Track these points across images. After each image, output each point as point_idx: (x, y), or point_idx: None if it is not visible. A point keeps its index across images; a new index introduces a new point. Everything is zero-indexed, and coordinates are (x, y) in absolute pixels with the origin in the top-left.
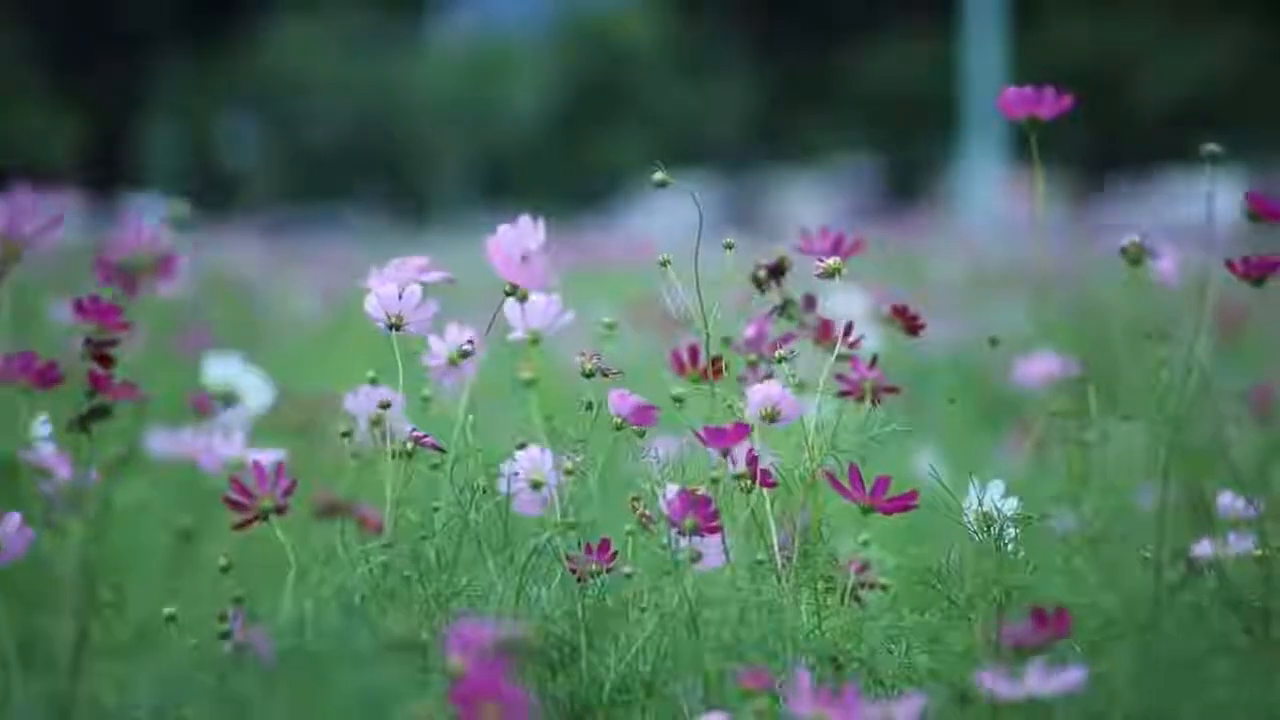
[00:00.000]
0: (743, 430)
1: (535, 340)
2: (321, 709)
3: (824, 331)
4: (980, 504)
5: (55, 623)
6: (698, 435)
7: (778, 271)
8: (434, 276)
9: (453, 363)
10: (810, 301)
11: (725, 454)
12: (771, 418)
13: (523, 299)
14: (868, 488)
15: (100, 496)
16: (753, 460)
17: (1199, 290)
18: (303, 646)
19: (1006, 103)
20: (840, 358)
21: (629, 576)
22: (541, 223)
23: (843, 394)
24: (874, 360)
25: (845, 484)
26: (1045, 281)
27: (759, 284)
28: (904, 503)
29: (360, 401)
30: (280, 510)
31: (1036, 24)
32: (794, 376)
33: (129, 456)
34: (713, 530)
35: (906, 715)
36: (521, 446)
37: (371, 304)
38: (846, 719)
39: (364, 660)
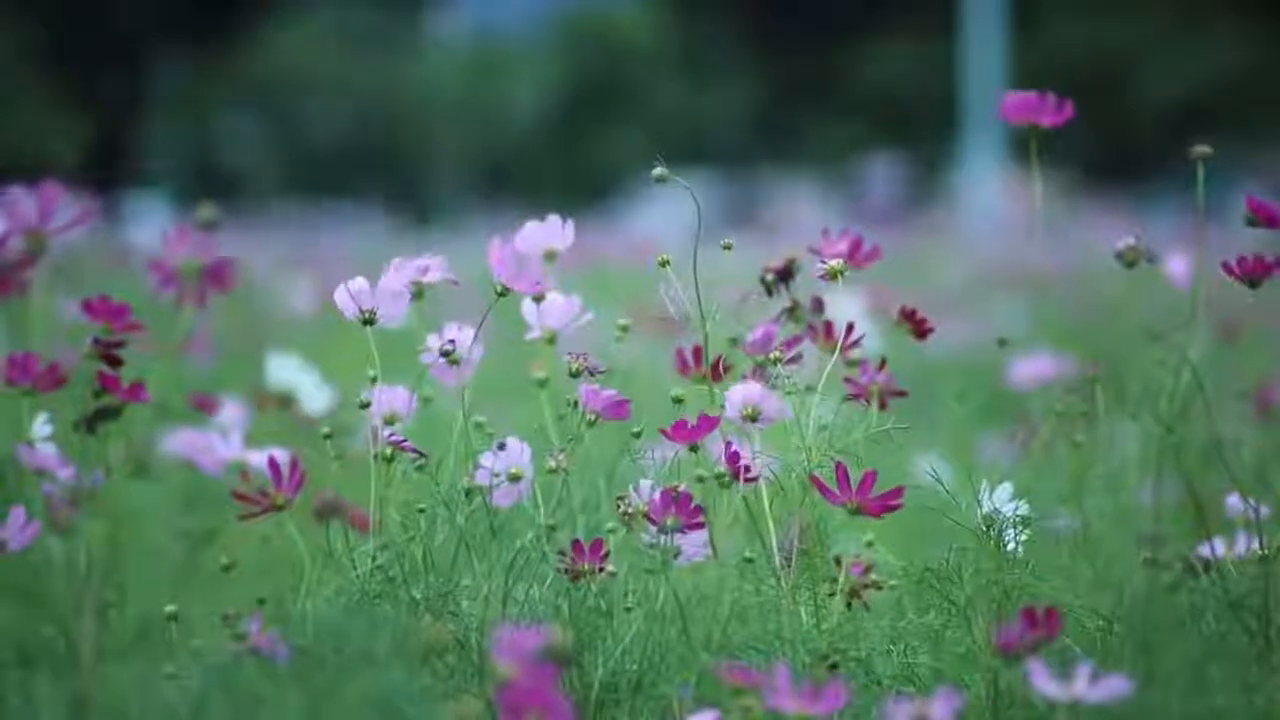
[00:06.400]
0: (708, 425)
1: (551, 340)
2: (340, 711)
3: (826, 333)
4: (983, 505)
5: (57, 624)
6: (663, 432)
7: (786, 275)
8: (434, 276)
9: (449, 361)
10: (818, 304)
11: (694, 449)
12: (752, 417)
13: (538, 299)
14: (854, 488)
15: (106, 497)
16: (734, 458)
17: (1196, 290)
18: (318, 648)
19: (1008, 109)
20: (850, 362)
21: (613, 574)
22: (570, 224)
23: (850, 397)
24: (883, 363)
25: (833, 487)
26: (1046, 282)
27: (768, 287)
28: (889, 501)
29: (379, 401)
30: (288, 505)
31: (1036, 24)
32: (799, 380)
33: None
34: (696, 527)
35: (942, 713)
36: (501, 446)
37: (341, 297)
38: (825, 711)
39: (382, 662)
